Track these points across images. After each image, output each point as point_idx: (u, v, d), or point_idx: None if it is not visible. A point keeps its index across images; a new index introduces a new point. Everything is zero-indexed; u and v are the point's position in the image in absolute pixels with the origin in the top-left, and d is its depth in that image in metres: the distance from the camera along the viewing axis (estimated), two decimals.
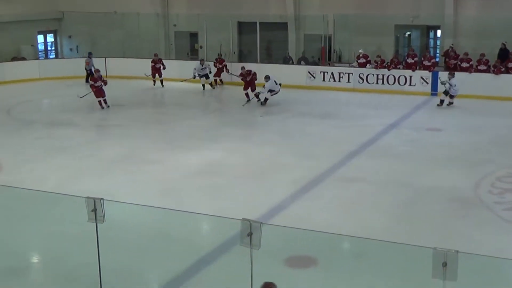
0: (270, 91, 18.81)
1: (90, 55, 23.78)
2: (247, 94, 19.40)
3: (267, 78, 18.76)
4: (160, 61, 22.64)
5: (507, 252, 7.94)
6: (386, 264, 7.25)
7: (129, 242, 8.31)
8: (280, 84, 18.99)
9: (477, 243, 8.38)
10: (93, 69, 21.62)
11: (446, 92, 18.53)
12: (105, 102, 18.50)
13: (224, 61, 22.77)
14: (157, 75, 22.49)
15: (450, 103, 18.57)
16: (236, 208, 9.74)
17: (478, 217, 9.57)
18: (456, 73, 20.65)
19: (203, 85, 21.85)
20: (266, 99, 18.91)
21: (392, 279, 6.95)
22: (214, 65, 22.74)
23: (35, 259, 8.67)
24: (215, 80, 22.79)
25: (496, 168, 12.17)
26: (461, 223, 9.32)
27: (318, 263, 7.88)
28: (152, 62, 22.59)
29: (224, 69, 22.68)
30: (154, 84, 22.56)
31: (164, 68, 22.52)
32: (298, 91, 21.55)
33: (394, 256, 7.01)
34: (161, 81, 22.57)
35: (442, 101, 18.63)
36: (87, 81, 22.93)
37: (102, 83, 18.50)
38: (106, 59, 24.18)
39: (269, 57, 26.35)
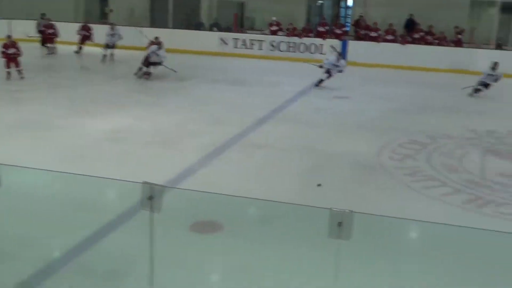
0: (155, 63, 17.79)
1: (42, 16, 22.41)
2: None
3: (160, 45, 17.87)
4: (51, 26, 21.32)
5: (404, 213, 8.25)
6: (290, 226, 7.40)
7: (30, 209, 8.03)
8: None
9: (377, 205, 8.65)
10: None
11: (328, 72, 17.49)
12: (20, 73, 16.97)
13: (90, 29, 21.61)
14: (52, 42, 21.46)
15: (321, 81, 17.37)
16: (144, 174, 9.51)
17: (380, 181, 9.87)
18: (365, 42, 21.16)
19: (104, 55, 20.63)
20: (149, 73, 17.83)
21: (294, 240, 7.09)
22: (78, 32, 21.79)
23: None
24: (80, 48, 21.80)
25: (398, 135, 12.59)
26: (364, 187, 9.59)
27: (223, 227, 7.90)
28: (40, 25, 21.36)
29: (90, 37, 21.53)
30: (47, 52, 21.40)
31: (56, 35, 21.38)
32: (210, 57, 21.45)
33: (296, 218, 7.15)
34: (52, 48, 21.51)
35: (321, 80, 17.50)
36: (43, 44, 21.76)
37: (16, 51, 16.93)
38: (12, 21, 23.06)
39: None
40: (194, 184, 9.38)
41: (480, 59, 20.73)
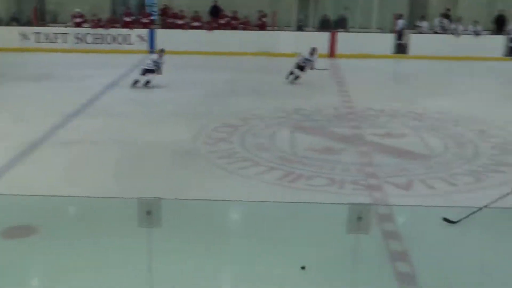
0: None
1: None
2: None
3: None
4: None
5: (221, 194, 8.43)
6: (104, 219, 7.29)
7: None
8: None
9: (195, 189, 8.79)
10: None
11: (149, 71, 16.07)
12: None
13: None
14: None
15: (148, 82, 16.09)
16: None
17: (197, 166, 10.01)
18: (173, 30, 21.14)
19: None
20: None
21: (109, 233, 6.99)
22: None
23: None
24: None
25: (212, 119, 12.82)
26: (183, 173, 9.67)
27: (39, 230, 7.55)
28: None
29: None
30: None
31: None
32: (10, 54, 20.31)
33: (111, 211, 7.04)
34: None
35: (137, 81, 16.06)
36: None
37: None
38: None
39: None
40: (3, 188, 8.85)
41: (283, 41, 21.71)
